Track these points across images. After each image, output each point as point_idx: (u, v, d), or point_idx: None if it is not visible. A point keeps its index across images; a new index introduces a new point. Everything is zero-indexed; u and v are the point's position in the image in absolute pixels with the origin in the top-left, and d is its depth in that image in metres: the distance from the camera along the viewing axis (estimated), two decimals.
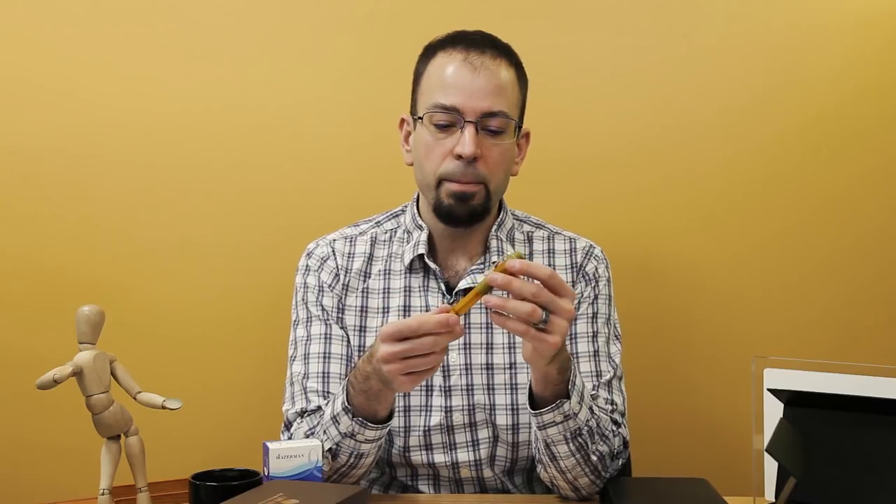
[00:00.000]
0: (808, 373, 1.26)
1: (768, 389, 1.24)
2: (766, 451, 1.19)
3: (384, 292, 1.54)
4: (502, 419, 1.49)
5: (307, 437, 1.44)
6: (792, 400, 1.23)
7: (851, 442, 1.19)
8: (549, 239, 1.59)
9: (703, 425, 1.99)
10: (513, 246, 1.56)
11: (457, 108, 1.44)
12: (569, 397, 1.31)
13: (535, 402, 1.34)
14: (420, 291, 1.53)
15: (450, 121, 1.45)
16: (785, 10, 1.95)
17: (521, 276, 1.20)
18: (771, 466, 1.26)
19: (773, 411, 1.24)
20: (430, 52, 1.51)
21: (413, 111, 1.53)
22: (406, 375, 1.24)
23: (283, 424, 1.51)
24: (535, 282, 1.21)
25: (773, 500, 1.24)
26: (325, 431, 1.38)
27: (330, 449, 1.37)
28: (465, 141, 1.43)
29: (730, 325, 1.97)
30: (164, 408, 1.29)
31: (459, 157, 1.44)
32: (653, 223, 1.97)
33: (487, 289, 1.21)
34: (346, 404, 1.34)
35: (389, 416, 1.36)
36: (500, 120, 1.45)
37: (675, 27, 1.96)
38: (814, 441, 1.20)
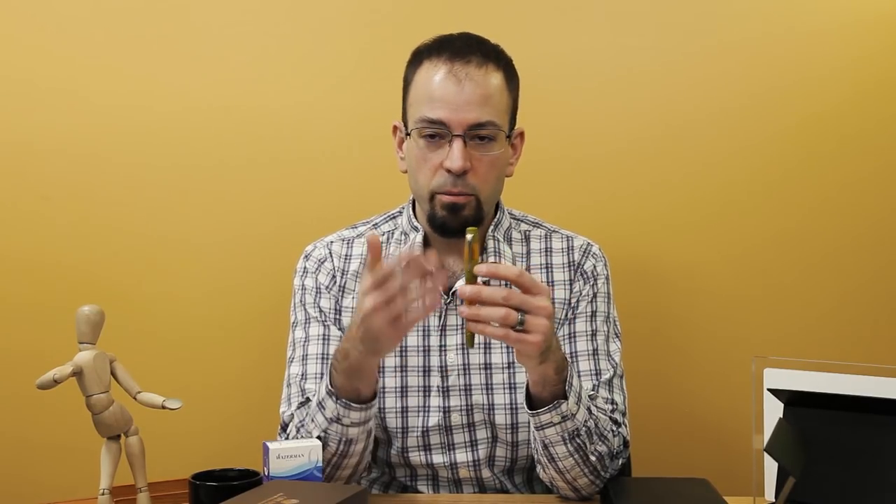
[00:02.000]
0: (808, 373, 1.25)
1: (768, 389, 1.24)
2: (766, 450, 1.19)
3: None
4: (501, 418, 1.49)
5: (298, 429, 1.44)
6: (792, 400, 1.23)
7: (851, 442, 1.19)
8: (546, 237, 1.59)
9: (704, 425, 1.99)
10: (510, 246, 1.56)
11: (443, 121, 1.43)
12: (566, 398, 1.31)
13: (533, 403, 1.34)
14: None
15: (437, 133, 1.44)
16: (785, 12, 1.95)
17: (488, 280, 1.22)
18: (771, 466, 1.26)
19: (773, 411, 1.24)
20: (416, 59, 1.50)
21: (404, 119, 1.52)
22: (395, 324, 1.23)
23: (279, 426, 1.51)
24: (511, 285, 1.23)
25: (773, 500, 1.24)
26: (312, 419, 1.38)
27: (319, 437, 1.36)
28: (454, 156, 1.42)
29: (729, 326, 1.97)
30: (164, 408, 1.29)
31: (449, 170, 1.43)
32: (653, 224, 1.97)
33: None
34: (329, 387, 1.34)
35: (373, 396, 1.36)
36: (489, 130, 1.44)
37: (675, 29, 1.96)
38: (814, 441, 1.20)
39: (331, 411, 1.35)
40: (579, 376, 1.47)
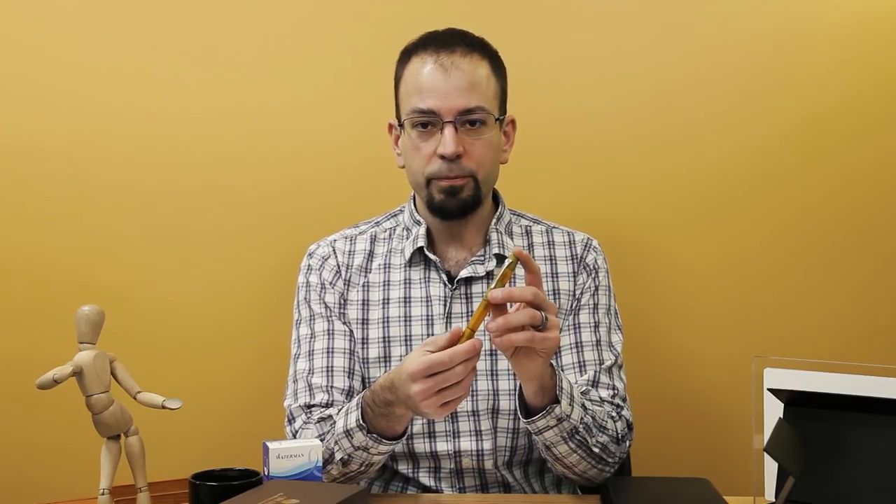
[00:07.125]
0: (808, 373, 1.26)
1: (768, 389, 1.24)
2: (765, 450, 1.19)
3: (384, 285, 1.56)
4: (505, 404, 1.50)
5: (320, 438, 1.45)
6: (792, 400, 1.23)
7: (851, 442, 1.19)
8: (547, 232, 1.63)
9: (704, 425, 1.99)
10: (511, 238, 1.59)
11: (433, 110, 1.48)
12: (558, 402, 1.33)
13: (527, 412, 1.37)
14: (421, 283, 1.55)
15: (429, 122, 1.49)
16: (784, 12, 1.95)
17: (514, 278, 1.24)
18: (771, 466, 1.26)
19: (773, 411, 1.24)
20: (404, 57, 1.55)
21: (397, 116, 1.57)
22: (443, 406, 1.26)
23: (286, 419, 1.52)
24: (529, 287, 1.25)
25: (773, 500, 1.24)
26: (336, 443, 1.40)
27: (341, 458, 1.39)
28: (446, 141, 1.47)
29: (730, 325, 1.97)
30: (164, 408, 1.29)
31: (443, 156, 1.47)
32: (653, 223, 1.97)
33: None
34: (361, 422, 1.36)
35: (404, 433, 1.38)
36: (478, 115, 1.49)
37: (675, 27, 1.96)
38: (814, 441, 1.20)
39: (359, 441, 1.37)
40: (584, 365, 1.52)
